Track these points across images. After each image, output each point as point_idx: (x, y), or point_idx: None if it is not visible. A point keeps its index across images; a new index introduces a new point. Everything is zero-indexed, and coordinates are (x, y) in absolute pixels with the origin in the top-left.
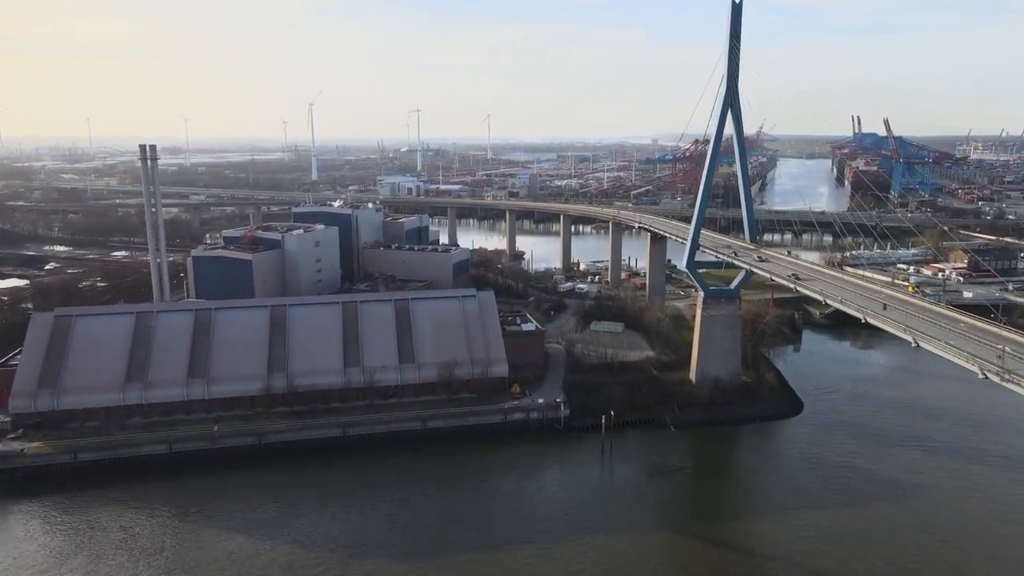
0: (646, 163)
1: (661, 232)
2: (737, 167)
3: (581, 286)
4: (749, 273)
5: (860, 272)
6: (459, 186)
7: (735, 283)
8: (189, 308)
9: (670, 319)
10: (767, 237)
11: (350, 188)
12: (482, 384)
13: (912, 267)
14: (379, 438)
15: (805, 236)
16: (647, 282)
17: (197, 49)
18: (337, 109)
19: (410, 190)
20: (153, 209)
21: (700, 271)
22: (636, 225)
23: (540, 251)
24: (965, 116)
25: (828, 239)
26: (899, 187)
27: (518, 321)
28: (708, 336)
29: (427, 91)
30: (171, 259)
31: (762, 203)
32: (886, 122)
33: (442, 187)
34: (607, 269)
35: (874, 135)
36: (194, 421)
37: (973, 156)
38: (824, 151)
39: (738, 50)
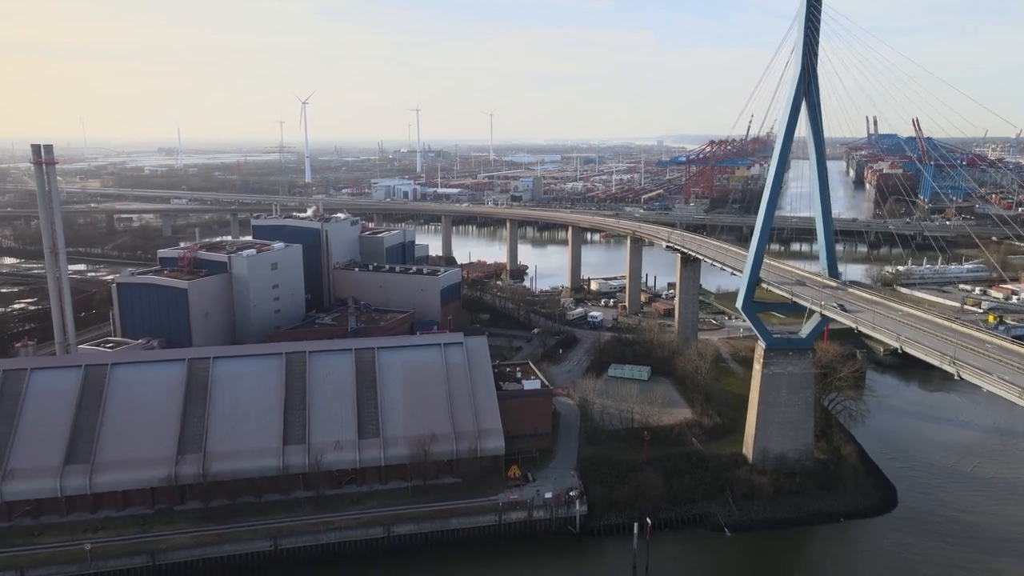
0: (659, 165)
1: (695, 254)
2: (813, 172)
3: (595, 313)
4: (825, 317)
5: (919, 294)
6: (458, 190)
7: (806, 329)
8: (77, 364)
9: (708, 362)
10: (793, 247)
11: (344, 191)
12: (470, 466)
13: (977, 288)
14: (325, 552)
15: (838, 247)
16: (676, 314)
17: (202, 51)
18: (339, 110)
19: (406, 194)
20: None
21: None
22: (664, 244)
23: (545, 264)
24: (977, 118)
25: (862, 249)
26: (930, 192)
27: (518, 374)
28: (770, 400)
29: (431, 93)
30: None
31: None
32: (915, 122)
33: (440, 191)
34: (623, 289)
35: (894, 136)
36: (70, 526)
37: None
38: (836, 152)
39: (818, 11)
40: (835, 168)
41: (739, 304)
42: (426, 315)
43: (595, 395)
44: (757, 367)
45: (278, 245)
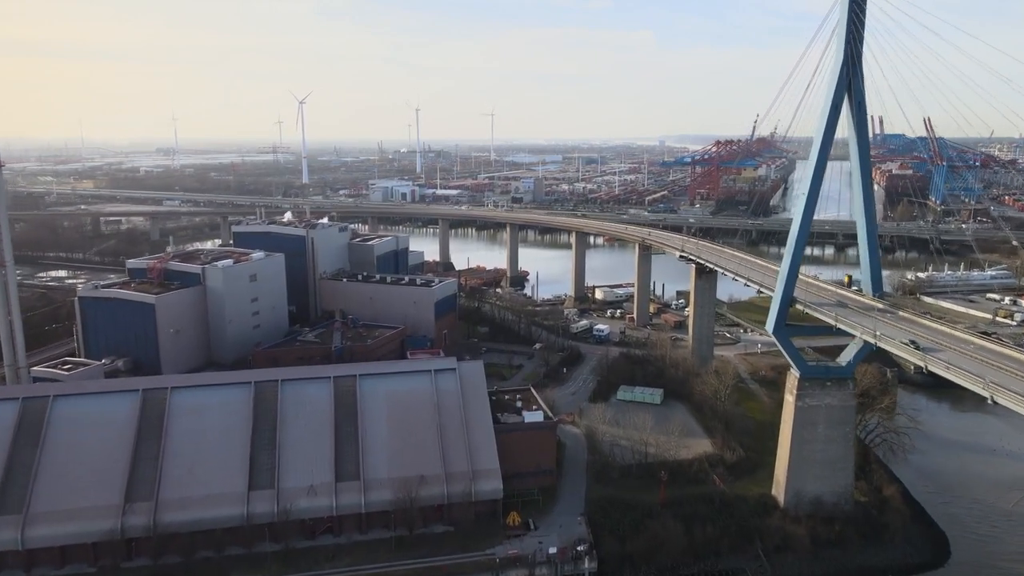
0: (662, 166)
1: (713, 266)
2: (856, 177)
3: (600, 326)
4: (869, 343)
5: (945, 304)
6: (458, 191)
7: (847, 356)
8: (13, 396)
9: (728, 386)
10: (805, 251)
11: (341, 192)
12: (463, 512)
13: (1007, 298)
14: None
15: (851, 251)
16: (691, 329)
17: (202, 51)
18: (339, 110)
19: (404, 195)
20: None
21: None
22: (677, 254)
23: (547, 270)
24: (981, 118)
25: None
26: (942, 193)
27: (518, 403)
28: (805, 436)
29: (431, 93)
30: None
31: (785, 209)
32: (927, 122)
33: (439, 192)
34: (630, 299)
35: (901, 136)
36: None
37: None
38: (841, 152)
39: None
40: (840, 168)
41: (770, 328)
42: (419, 330)
43: (603, 423)
44: (789, 399)
45: (258, 254)
